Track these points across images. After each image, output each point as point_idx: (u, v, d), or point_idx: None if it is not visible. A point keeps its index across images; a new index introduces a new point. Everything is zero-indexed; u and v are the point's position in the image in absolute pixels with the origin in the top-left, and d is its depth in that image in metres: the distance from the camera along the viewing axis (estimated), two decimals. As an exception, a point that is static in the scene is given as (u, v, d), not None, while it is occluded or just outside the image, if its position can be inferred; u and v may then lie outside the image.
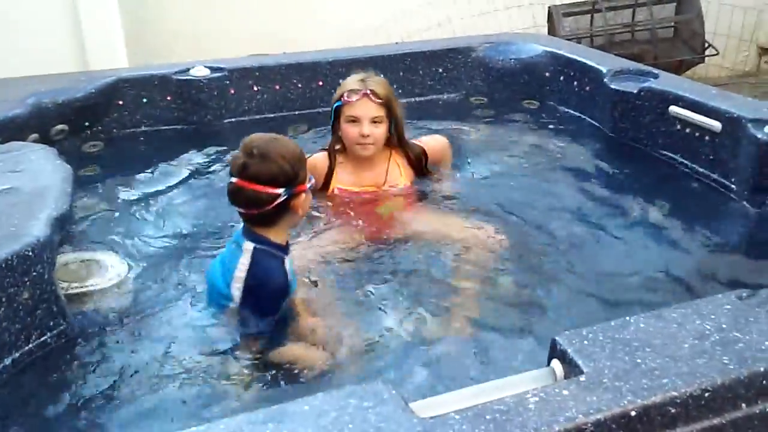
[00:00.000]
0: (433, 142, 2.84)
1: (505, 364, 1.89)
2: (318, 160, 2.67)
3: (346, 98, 2.56)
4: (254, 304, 1.92)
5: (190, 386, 1.79)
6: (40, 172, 2.29)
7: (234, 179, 1.86)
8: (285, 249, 1.99)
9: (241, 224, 1.99)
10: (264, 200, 1.86)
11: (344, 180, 2.70)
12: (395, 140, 2.68)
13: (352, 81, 2.62)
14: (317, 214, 2.58)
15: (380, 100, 2.57)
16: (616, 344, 1.39)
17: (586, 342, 1.40)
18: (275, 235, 1.95)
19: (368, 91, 2.55)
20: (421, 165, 2.76)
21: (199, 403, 1.75)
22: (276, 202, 1.87)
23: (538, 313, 2.16)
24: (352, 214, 2.62)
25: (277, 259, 1.95)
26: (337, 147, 2.69)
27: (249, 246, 1.91)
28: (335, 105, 2.60)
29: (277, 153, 1.87)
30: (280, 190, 1.87)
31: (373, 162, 2.69)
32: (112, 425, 1.74)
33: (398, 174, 2.71)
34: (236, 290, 1.91)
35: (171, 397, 1.77)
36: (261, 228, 1.93)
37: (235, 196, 1.88)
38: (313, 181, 2.00)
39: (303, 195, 1.93)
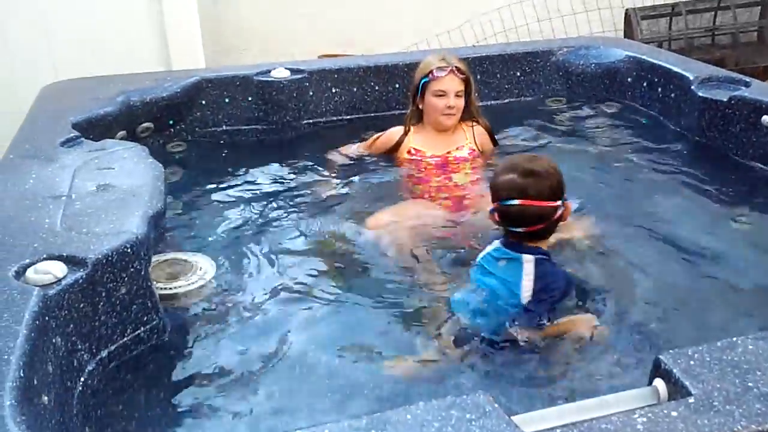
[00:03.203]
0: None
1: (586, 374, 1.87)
2: (395, 129, 3.10)
3: (435, 74, 2.91)
4: (542, 304, 1.99)
5: (282, 387, 1.82)
6: (134, 170, 2.35)
7: (516, 201, 1.96)
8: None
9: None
10: (549, 214, 1.99)
11: (417, 142, 3.04)
12: (467, 111, 3.03)
13: (435, 60, 2.97)
14: (399, 179, 2.99)
15: (463, 76, 2.95)
16: (724, 366, 1.35)
17: (692, 362, 1.36)
18: (545, 244, 2.07)
19: (454, 68, 2.92)
20: (490, 134, 3.12)
21: (290, 403, 1.78)
22: (557, 214, 2.00)
23: (618, 324, 2.11)
24: (431, 183, 2.95)
25: (555, 265, 2.07)
26: (413, 120, 3.06)
27: (530, 258, 2.01)
28: (422, 80, 2.93)
29: (548, 168, 2.01)
30: (558, 203, 2.00)
31: (445, 131, 3.04)
32: (202, 421, 1.77)
33: (464, 137, 3.05)
34: (526, 300, 1.98)
35: (262, 398, 1.80)
36: (535, 241, 2.03)
37: (521, 216, 1.98)
38: None
39: (568, 203, 2.06)
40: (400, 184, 2.98)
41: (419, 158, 3.02)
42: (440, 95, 2.93)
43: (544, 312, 1.98)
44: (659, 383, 1.36)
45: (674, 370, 1.34)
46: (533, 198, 1.96)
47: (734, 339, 1.43)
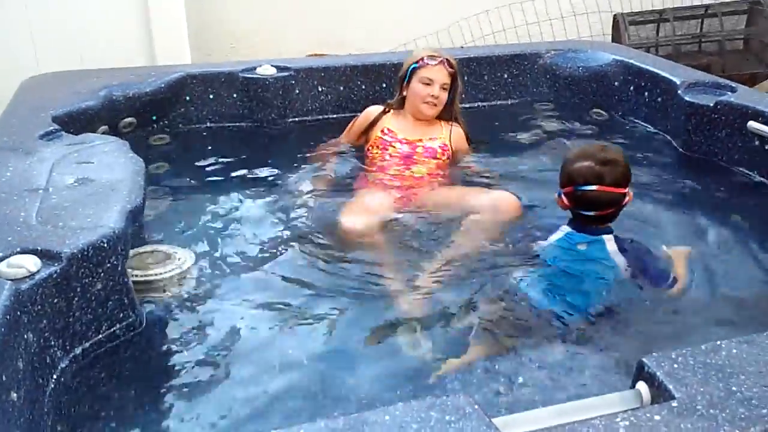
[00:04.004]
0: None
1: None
2: (372, 107, 3.16)
3: (426, 61, 2.97)
4: (644, 270, 2.19)
5: (259, 383, 1.79)
6: (114, 165, 2.30)
7: (593, 187, 2.10)
8: None
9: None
10: (620, 200, 2.14)
11: (392, 124, 3.06)
12: (448, 111, 3.05)
13: (427, 50, 3.07)
14: (365, 167, 3.01)
15: (452, 70, 3.00)
16: (708, 370, 1.33)
17: (676, 366, 1.34)
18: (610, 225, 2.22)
19: (445, 60, 2.97)
20: (467, 137, 3.12)
21: (267, 399, 1.75)
22: (626, 200, 2.15)
23: (601, 326, 2.09)
24: (389, 172, 2.93)
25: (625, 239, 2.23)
26: (394, 104, 3.11)
27: (609, 237, 2.18)
28: (412, 66, 2.99)
29: (619, 158, 2.16)
30: (627, 189, 2.15)
31: (422, 121, 3.05)
32: (177, 417, 1.73)
33: (440, 131, 3.04)
34: (628, 274, 2.16)
35: (239, 395, 1.77)
36: (603, 224, 2.19)
37: (597, 201, 2.13)
38: None
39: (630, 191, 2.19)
40: (364, 172, 2.98)
41: (390, 139, 3.00)
42: (426, 83, 2.96)
43: (656, 278, 2.18)
44: (642, 386, 1.35)
45: (657, 374, 1.32)
46: (609, 185, 2.10)
47: (718, 342, 1.42)
